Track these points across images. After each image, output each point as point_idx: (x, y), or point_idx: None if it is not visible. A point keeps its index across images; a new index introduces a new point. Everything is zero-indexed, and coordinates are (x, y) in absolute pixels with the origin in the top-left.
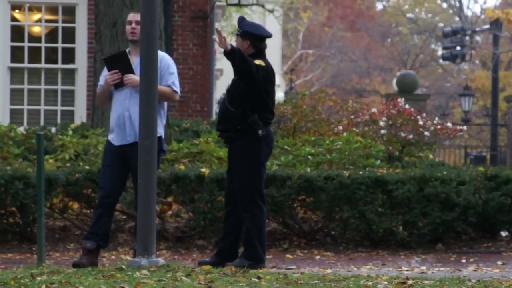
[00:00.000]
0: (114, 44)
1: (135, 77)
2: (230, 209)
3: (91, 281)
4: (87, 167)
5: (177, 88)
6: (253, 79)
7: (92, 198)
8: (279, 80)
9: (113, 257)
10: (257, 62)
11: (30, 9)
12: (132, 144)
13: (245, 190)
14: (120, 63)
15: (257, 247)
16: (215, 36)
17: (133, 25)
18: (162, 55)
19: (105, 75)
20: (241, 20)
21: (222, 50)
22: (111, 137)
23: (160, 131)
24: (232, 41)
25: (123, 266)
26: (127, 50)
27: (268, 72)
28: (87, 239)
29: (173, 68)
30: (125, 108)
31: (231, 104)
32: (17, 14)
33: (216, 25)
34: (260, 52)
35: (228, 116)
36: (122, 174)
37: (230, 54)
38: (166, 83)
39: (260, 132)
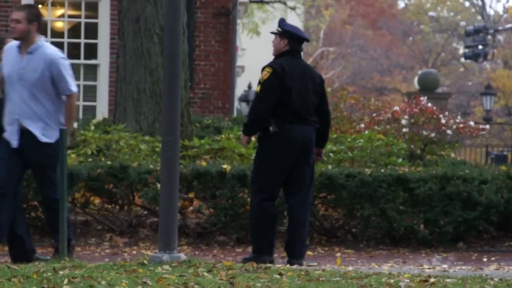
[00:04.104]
0: (136, 40)
1: None
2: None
3: (113, 275)
4: (109, 162)
5: (72, 90)
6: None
7: (113, 193)
8: None
9: (134, 252)
10: (265, 72)
11: (53, 4)
12: (29, 143)
13: (252, 182)
14: None
15: (256, 239)
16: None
17: (12, 24)
18: (50, 56)
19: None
20: (282, 21)
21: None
22: (5, 133)
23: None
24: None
25: (145, 261)
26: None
27: (277, 75)
28: None
29: (66, 70)
30: (16, 112)
31: None
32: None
33: (238, 21)
34: (293, 52)
35: None
36: (17, 166)
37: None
38: (63, 92)
39: (271, 128)
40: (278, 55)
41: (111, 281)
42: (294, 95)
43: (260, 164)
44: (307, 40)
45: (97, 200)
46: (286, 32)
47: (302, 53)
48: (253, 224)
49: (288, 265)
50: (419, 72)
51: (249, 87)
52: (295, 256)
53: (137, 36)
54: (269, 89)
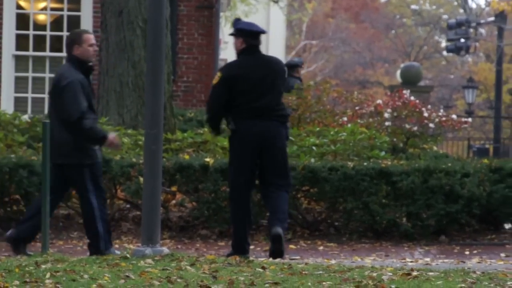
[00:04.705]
0: (119, 33)
1: None
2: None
3: (95, 269)
4: None
5: None
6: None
7: None
8: None
9: (117, 245)
10: (216, 76)
11: None
12: None
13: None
14: None
15: (233, 238)
16: None
17: None
18: None
19: None
20: (236, 20)
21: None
22: None
23: None
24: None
25: (128, 255)
26: None
27: (226, 81)
28: None
29: None
30: None
31: None
32: (22, 2)
33: (221, 14)
34: (250, 48)
35: None
36: None
37: None
38: None
39: (229, 126)
40: (238, 54)
41: (94, 275)
42: (249, 94)
43: (229, 161)
44: (262, 33)
45: None
46: (239, 31)
47: (260, 47)
48: (233, 225)
49: (270, 259)
50: (402, 65)
51: None
52: (276, 224)
53: (120, 29)
54: (215, 94)
